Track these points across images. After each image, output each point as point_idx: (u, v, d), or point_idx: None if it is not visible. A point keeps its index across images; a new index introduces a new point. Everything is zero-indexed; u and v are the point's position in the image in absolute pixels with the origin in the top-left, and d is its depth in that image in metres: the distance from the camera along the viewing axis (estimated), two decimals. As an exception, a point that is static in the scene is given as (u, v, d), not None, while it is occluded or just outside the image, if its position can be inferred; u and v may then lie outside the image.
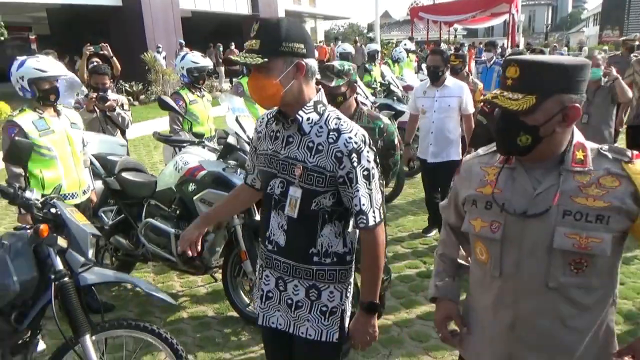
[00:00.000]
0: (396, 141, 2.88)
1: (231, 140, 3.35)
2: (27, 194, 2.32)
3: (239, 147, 3.36)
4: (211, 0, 21.97)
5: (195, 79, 4.51)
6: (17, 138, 2.83)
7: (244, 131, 3.37)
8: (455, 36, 29.98)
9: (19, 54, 3.44)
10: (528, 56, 1.32)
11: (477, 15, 20.21)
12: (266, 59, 1.55)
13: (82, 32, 18.23)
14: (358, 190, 1.63)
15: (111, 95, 4.77)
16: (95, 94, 4.56)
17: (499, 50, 11.16)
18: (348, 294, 1.83)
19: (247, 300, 3.52)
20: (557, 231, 1.31)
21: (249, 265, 3.30)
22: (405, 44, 10.04)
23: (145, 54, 15.57)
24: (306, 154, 1.66)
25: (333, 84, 2.71)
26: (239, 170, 3.34)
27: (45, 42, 22.87)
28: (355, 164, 1.62)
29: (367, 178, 1.64)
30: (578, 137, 1.37)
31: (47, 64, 3.09)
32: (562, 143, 1.34)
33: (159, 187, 3.63)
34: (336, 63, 2.72)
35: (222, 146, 3.52)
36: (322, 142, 1.64)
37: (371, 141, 1.71)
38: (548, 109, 1.28)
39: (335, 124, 1.66)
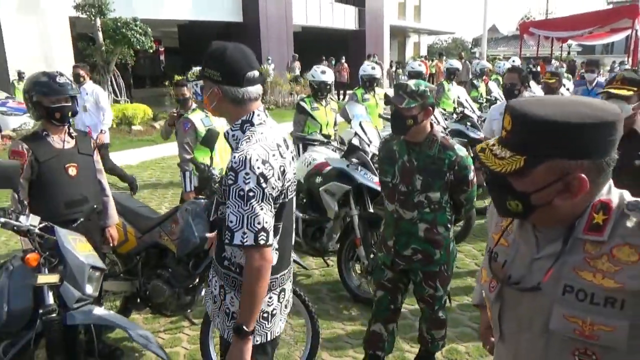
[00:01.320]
0: (471, 176, 2.56)
1: (355, 141, 3.91)
2: (22, 219, 2.19)
3: (361, 147, 3.91)
4: (322, 16, 23.19)
5: (315, 91, 5.14)
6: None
7: (366, 134, 3.93)
8: (569, 52, 28.45)
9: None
10: (530, 103, 1.04)
11: (594, 31, 19.12)
12: (200, 80, 1.98)
13: (206, 45, 20.22)
14: (229, 207, 1.68)
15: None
16: (176, 109, 4.78)
17: (609, 68, 10.08)
18: (232, 301, 1.87)
19: (357, 281, 4.03)
20: (555, 310, 1.06)
21: (362, 251, 3.81)
22: (513, 61, 10.06)
23: (262, 66, 16.98)
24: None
25: (403, 105, 2.45)
26: (359, 167, 3.88)
27: (172, 54, 25.72)
28: (231, 181, 1.68)
29: (242, 198, 1.65)
30: (605, 192, 1.06)
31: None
32: (569, 213, 1.06)
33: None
34: (412, 82, 2.50)
35: (343, 147, 4.12)
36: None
37: (262, 164, 1.68)
38: (539, 176, 1.02)
39: (240, 143, 1.76)
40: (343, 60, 19.99)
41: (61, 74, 2.91)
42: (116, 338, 3.37)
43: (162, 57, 26.83)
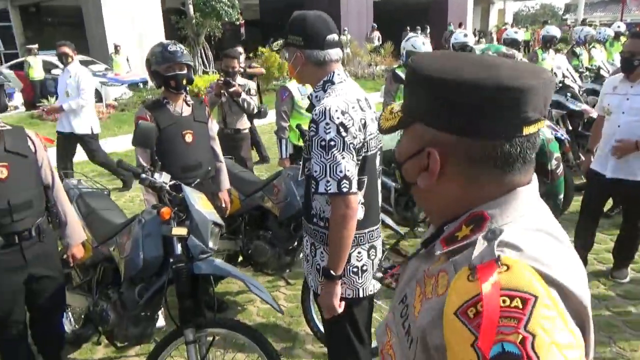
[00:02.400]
0: (551, 165, 2.19)
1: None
2: (156, 176, 2.37)
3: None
4: (403, -16, 22.51)
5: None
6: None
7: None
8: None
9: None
10: (432, 56, 0.81)
11: None
12: (284, 48, 1.97)
13: (285, 17, 20.38)
14: (313, 158, 1.77)
15: (239, 80, 4.70)
16: (223, 78, 4.53)
17: None
18: (323, 255, 1.95)
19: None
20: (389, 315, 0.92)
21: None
22: (618, 26, 9.24)
23: (341, 36, 16.88)
24: None
25: None
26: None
27: (251, 27, 26.20)
28: (312, 133, 1.77)
29: (324, 148, 1.73)
30: (504, 204, 0.76)
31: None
32: (436, 209, 0.84)
33: (384, 148, 4.34)
34: (481, 47, 2.28)
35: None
36: None
37: (342, 115, 1.74)
38: (405, 142, 0.83)
39: (321, 99, 1.87)
40: (428, 31, 19.39)
41: (175, 43, 3.08)
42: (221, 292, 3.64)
43: (242, 30, 27.43)
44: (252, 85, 4.86)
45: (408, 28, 18.57)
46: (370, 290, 2.04)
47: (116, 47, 13.81)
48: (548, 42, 7.03)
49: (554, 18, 53.72)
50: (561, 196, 2.24)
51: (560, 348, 0.59)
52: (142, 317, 2.50)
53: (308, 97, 1.99)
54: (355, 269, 1.96)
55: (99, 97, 11.50)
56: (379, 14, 21.01)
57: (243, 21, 26.94)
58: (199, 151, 3.15)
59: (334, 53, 1.88)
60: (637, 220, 3.49)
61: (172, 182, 2.40)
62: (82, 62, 13.28)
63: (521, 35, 6.64)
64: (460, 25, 19.07)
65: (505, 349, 0.59)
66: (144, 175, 2.30)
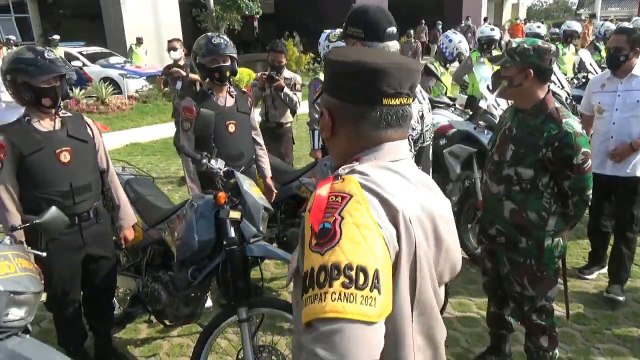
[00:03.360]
0: (578, 159, 2.13)
1: (482, 104, 3.92)
2: (212, 162, 2.46)
3: (488, 110, 3.92)
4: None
5: (482, 46, 5.31)
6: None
7: (495, 98, 3.93)
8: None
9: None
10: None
11: None
12: (342, 39, 2.02)
13: (300, 11, 20.41)
14: None
15: (286, 73, 4.65)
16: (267, 72, 4.45)
17: None
18: None
19: (475, 243, 4.11)
20: None
21: (484, 213, 3.87)
22: (636, 20, 9.19)
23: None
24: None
25: (498, 63, 2.30)
26: (486, 131, 3.90)
27: (265, 21, 26.24)
28: None
29: None
30: (372, 151, 1.03)
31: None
32: (338, 152, 1.09)
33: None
34: (519, 40, 2.27)
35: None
36: None
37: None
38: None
39: None
40: (440, 27, 19.34)
41: (219, 35, 3.17)
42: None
43: (255, 23, 27.50)
44: (298, 79, 4.76)
45: (423, 21, 18.52)
46: None
47: (138, 39, 13.96)
48: (569, 37, 7.04)
49: (568, 12, 53.26)
50: (589, 192, 2.21)
51: (359, 227, 0.87)
52: (192, 298, 2.61)
53: None
54: None
55: (118, 89, 11.67)
56: (394, 6, 20.96)
57: (256, 15, 27.08)
58: (242, 141, 3.26)
59: (392, 45, 1.94)
60: (628, 229, 3.37)
61: (226, 168, 2.49)
62: (100, 54, 13.55)
63: (543, 29, 6.62)
64: (485, 20, 19.01)
65: (324, 226, 0.88)
66: (204, 161, 2.41)
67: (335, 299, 0.81)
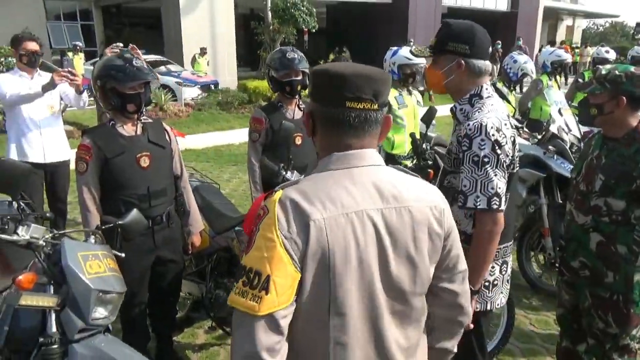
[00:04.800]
0: None
1: (553, 128, 3.80)
2: (289, 174, 2.47)
3: (558, 135, 3.79)
4: (472, -3, 22.23)
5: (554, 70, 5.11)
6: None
7: (564, 121, 3.80)
8: None
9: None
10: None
11: None
12: (433, 56, 1.91)
13: (351, 26, 20.57)
14: (463, 172, 1.78)
15: None
16: None
17: None
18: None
19: (538, 272, 3.95)
20: None
21: (549, 241, 3.72)
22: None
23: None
24: (455, 139, 1.92)
25: (587, 90, 2.21)
26: (555, 156, 3.77)
27: (315, 35, 26.63)
28: (465, 148, 1.78)
29: (476, 163, 1.74)
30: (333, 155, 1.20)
31: (411, 54, 4.00)
32: (319, 151, 1.26)
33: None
34: (607, 66, 2.23)
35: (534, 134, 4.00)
36: (461, 129, 1.85)
37: (497, 132, 1.75)
38: None
39: (472, 114, 1.86)
40: (499, 47, 19.04)
41: (293, 50, 3.21)
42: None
43: (306, 37, 27.93)
44: None
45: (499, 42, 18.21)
46: (498, 304, 2.05)
47: (202, 49, 14.49)
48: (637, 63, 6.80)
49: (625, 37, 51.24)
50: None
51: (265, 240, 1.07)
52: None
53: (451, 110, 1.98)
54: (487, 283, 1.98)
55: (174, 96, 12.05)
56: (445, 26, 20.83)
57: (306, 29, 27.55)
58: (307, 154, 3.26)
59: (489, 65, 1.92)
60: None
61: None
62: (158, 62, 14.07)
63: (612, 54, 6.36)
64: (547, 45, 18.60)
65: (252, 233, 1.11)
66: (283, 172, 2.43)
67: (236, 292, 1.07)
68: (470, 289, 1.80)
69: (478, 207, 1.74)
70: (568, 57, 5.39)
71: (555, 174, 3.78)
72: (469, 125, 1.79)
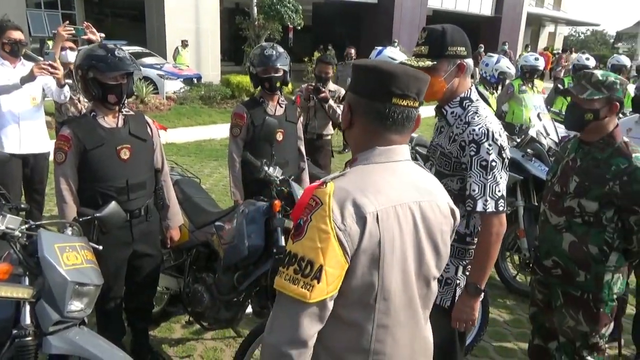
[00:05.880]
0: None
1: (532, 132, 3.88)
2: (271, 170, 2.52)
3: (537, 139, 3.87)
4: (457, 0, 22.42)
5: (525, 75, 5.06)
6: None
7: (543, 125, 3.89)
8: None
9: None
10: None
11: None
12: (435, 62, 1.85)
13: (336, 25, 20.59)
14: (471, 177, 1.83)
15: (331, 86, 4.68)
16: (314, 83, 4.47)
17: None
18: (465, 272, 1.99)
19: (513, 272, 4.04)
20: None
21: (525, 242, 3.80)
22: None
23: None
24: (446, 142, 1.94)
25: (584, 95, 2.13)
26: (533, 159, 3.85)
27: (300, 32, 26.57)
28: (472, 153, 1.82)
29: (485, 168, 1.80)
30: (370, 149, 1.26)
31: (397, 54, 4.04)
32: (354, 143, 1.31)
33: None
34: (599, 72, 2.19)
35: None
36: (457, 132, 1.88)
37: (500, 136, 1.82)
38: None
39: (470, 118, 1.87)
40: (482, 50, 19.28)
41: (273, 47, 3.20)
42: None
43: (290, 34, 27.83)
44: (342, 92, 4.73)
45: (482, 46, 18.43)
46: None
47: (183, 41, 14.31)
48: (617, 72, 6.91)
49: (604, 45, 52.43)
50: None
51: (319, 231, 1.10)
52: (234, 303, 2.61)
53: (439, 111, 1.99)
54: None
55: (156, 89, 11.89)
56: (430, 28, 21.00)
57: (292, 26, 27.45)
58: (288, 150, 3.28)
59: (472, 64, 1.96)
60: None
61: (283, 176, 2.50)
62: (140, 54, 13.86)
63: (592, 62, 6.46)
64: (527, 47, 18.95)
65: (300, 222, 1.13)
66: (265, 168, 2.44)
67: (286, 278, 1.10)
68: (477, 287, 1.89)
69: (487, 210, 1.80)
70: (539, 64, 5.35)
71: (532, 177, 3.87)
72: (474, 130, 1.83)
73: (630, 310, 3.41)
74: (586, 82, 2.16)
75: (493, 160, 1.80)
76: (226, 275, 2.58)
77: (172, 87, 12.45)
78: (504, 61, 4.90)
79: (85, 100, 3.98)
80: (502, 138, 1.83)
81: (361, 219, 1.11)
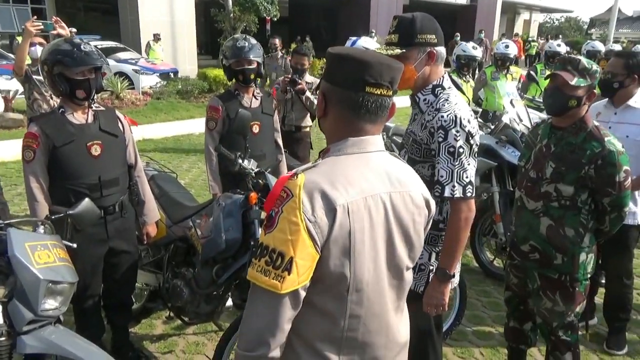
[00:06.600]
0: (619, 177, 2.13)
1: (505, 119, 3.93)
2: (245, 162, 2.54)
3: (510, 125, 3.93)
4: (432, -10, 22.51)
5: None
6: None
7: (516, 112, 3.95)
8: None
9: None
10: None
11: None
12: (404, 50, 1.86)
13: (313, 16, 20.50)
14: (439, 163, 1.84)
15: (307, 77, 4.68)
16: (290, 76, 4.44)
17: None
18: (439, 258, 2.01)
19: (490, 257, 4.11)
20: None
21: (500, 227, 3.87)
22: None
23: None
24: (418, 128, 1.95)
25: (573, 82, 2.13)
26: (507, 145, 3.91)
27: (277, 24, 26.38)
28: (440, 139, 1.83)
29: (452, 154, 1.81)
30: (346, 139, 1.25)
31: (371, 44, 4.05)
32: (327, 132, 1.30)
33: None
34: (585, 60, 2.19)
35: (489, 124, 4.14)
36: (428, 119, 1.90)
37: (468, 123, 1.83)
38: None
39: (440, 105, 1.88)
40: (458, 38, 19.42)
41: (245, 38, 3.18)
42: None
43: (268, 26, 27.63)
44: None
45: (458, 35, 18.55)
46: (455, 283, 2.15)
47: (155, 35, 14.05)
48: (592, 58, 7.07)
49: (579, 32, 53.19)
50: (627, 209, 2.24)
51: (289, 223, 1.10)
52: (214, 296, 2.61)
53: (412, 99, 2.00)
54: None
55: (132, 84, 11.71)
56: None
57: (268, 18, 27.23)
58: (264, 142, 3.27)
59: (445, 51, 1.96)
60: (620, 274, 3.11)
61: (258, 169, 2.51)
62: (114, 49, 13.62)
63: (563, 48, 6.57)
64: (503, 36, 19.10)
65: (271, 213, 1.13)
66: (239, 161, 2.43)
67: (258, 270, 1.11)
68: (447, 272, 1.91)
69: (455, 196, 1.82)
70: (511, 52, 5.39)
71: (507, 163, 3.93)
72: (442, 117, 1.84)
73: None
74: (573, 69, 2.17)
75: (461, 147, 1.81)
76: (205, 269, 2.57)
77: (148, 82, 12.27)
78: (464, 46, 5.07)
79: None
80: (471, 125, 1.84)
81: (331, 211, 1.12)
